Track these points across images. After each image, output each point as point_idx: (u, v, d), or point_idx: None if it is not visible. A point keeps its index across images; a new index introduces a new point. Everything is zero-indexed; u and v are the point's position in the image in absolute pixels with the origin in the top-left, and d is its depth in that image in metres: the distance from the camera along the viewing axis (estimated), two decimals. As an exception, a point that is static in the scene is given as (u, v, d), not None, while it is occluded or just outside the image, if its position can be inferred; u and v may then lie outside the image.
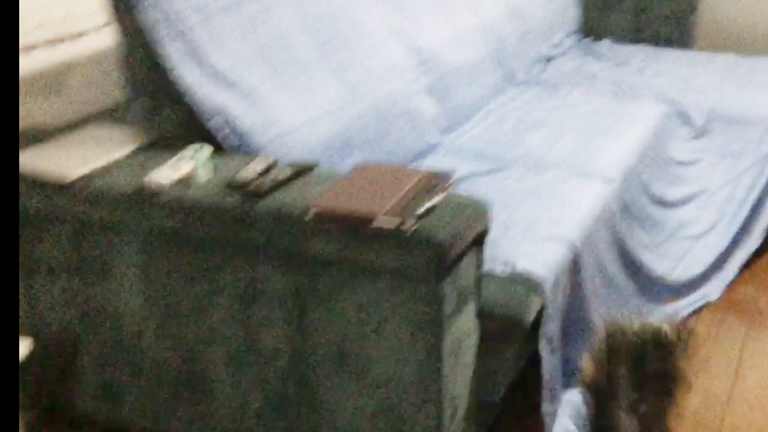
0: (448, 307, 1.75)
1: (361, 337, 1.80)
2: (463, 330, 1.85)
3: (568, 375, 2.35)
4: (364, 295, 1.77)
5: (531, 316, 1.97)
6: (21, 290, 2.05)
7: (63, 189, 1.93)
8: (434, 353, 1.77)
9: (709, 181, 2.98)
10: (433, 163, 2.54)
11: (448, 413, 1.84)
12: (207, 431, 2.00)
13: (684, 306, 2.72)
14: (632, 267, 2.57)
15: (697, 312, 2.73)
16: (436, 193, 1.80)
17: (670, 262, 2.74)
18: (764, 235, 2.99)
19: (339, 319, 1.80)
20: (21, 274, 2.05)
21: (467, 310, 1.85)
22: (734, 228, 2.93)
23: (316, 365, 1.85)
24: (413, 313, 1.74)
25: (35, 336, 2.05)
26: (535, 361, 2.13)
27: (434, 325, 1.75)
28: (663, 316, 2.64)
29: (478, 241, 1.85)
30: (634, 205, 2.63)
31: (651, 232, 2.71)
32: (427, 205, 1.75)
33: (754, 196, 2.97)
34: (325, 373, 1.85)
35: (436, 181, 1.85)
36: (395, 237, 1.69)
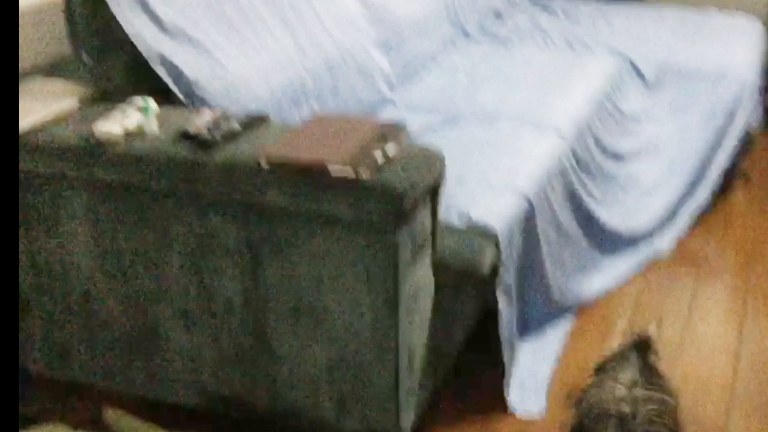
0: (404, 257, 1.74)
1: (317, 287, 1.78)
2: (420, 281, 1.84)
3: (524, 327, 2.37)
4: (320, 245, 1.75)
5: (487, 267, 1.97)
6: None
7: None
8: (391, 303, 1.76)
9: (660, 135, 3.01)
10: (386, 117, 2.52)
11: (405, 364, 1.84)
12: (162, 387, 1.97)
13: (636, 259, 2.75)
14: (586, 220, 2.59)
15: (648, 264, 2.77)
16: (391, 143, 1.78)
17: (623, 215, 2.77)
18: (713, 187, 3.03)
19: (294, 270, 1.78)
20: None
21: (423, 260, 1.85)
22: (684, 181, 2.96)
23: (272, 317, 1.83)
24: (369, 263, 1.73)
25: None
26: (492, 315, 2.14)
27: (390, 275, 1.74)
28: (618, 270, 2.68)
29: (433, 190, 1.84)
30: (587, 158, 2.64)
31: (604, 186, 2.73)
32: (383, 153, 1.73)
33: (703, 149, 3.00)
34: (281, 325, 1.84)
35: (390, 132, 1.83)
36: (350, 186, 1.67)
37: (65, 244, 1.92)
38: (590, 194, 2.61)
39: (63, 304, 1.99)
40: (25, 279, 2.00)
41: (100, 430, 1.35)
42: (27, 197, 1.92)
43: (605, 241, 2.67)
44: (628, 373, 1.95)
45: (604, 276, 2.64)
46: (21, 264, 1.98)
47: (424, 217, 1.81)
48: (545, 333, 2.40)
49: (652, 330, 2.08)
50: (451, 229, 1.96)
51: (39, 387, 2.07)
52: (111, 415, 1.36)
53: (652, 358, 2.03)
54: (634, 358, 2.01)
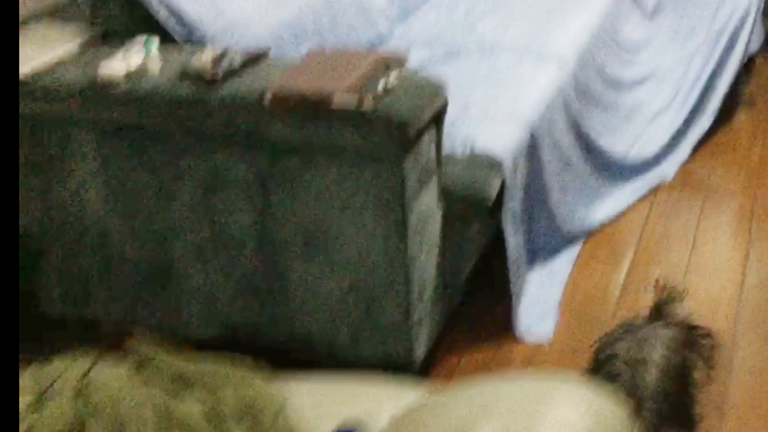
0: (410, 185, 1.77)
1: (327, 219, 1.81)
2: (427, 209, 1.87)
3: (532, 256, 2.40)
4: (327, 177, 1.77)
5: (492, 195, 1.99)
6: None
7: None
8: (399, 232, 1.79)
9: (662, 62, 3.01)
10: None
11: (415, 292, 1.87)
12: (179, 321, 2.01)
13: (641, 185, 2.77)
14: (590, 148, 2.60)
15: (653, 191, 2.79)
16: (392, 74, 1.79)
17: (627, 142, 2.78)
18: (717, 113, 3.03)
19: (303, 202, 1.81)
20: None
21: (430, 189, 1.87)
22: (688, 107, 2.97)
23: (283, 250, 1.86)
24: (377, 192, 1.75)
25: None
26: (500, 245, 2.17)
27: (398, 204, 1.76)
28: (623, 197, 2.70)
29: (437, 119, 1.85)
30: (589, 87, 2.65)
31: (606, 114, 2.73)
32: (385, 84, 1.74)
33: (706, 75, 3.00)
34: (292, 258, 1.87)
35: (391, 62, 1.84)
36: (354, 116, 1.69)
37: (77, 185, 1.95)
38: (593, 123, 2.62)
39: (78, 245, 2.03)
40: (40, 222, 2.03)
41: (121, 358, 1.40)
42: (36, 141, 1.95)
43: (610, 169, 2.69)
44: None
45: (610, 203, 2.66)
46: (34, 208, 2.01)
47: (428, 146, 1.83)
48: (553, 261, 2.43)
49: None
50: (455, 160, 1.98)
51: (58, 329, 2.11)
52: (133, 342, 1.39)
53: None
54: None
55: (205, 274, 1.95)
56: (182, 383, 1.37)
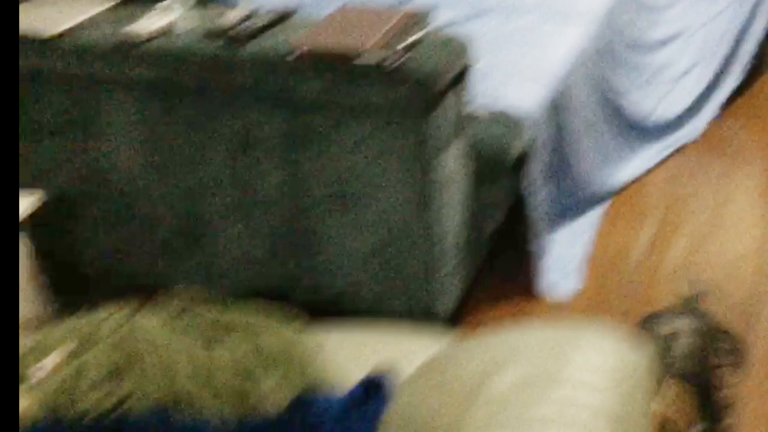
0: (435, 142, 1.79)
1: (353, 177, 1.84)
2: (452, 166, 1.89)
3: (554, 215, 2.41)
4: (354, 134, 1.80)
5: (516, 153, 2.01)
6: (20, 151, 2.07)
7: (49, 46, 1.93)
8: (425, 188, 1.82)
9: (687, 22, 2.98)
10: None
11: (440, 248, 1.90)
12: (211, 280, 2.06)
13: (665, 146, 2.77)
14: (614, 109, 2.61)
15: (678, 151, 2.79)
16: (417, 32, 1.81)
17: (651, 104, 2.78)
18: (743, 74, 3.02)
19: (330, 160, 1.84)
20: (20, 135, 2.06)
21: (454, 146, 1.89)
22: (713, 68, 2.95)
23: (311, 207, 1.90)
24: (402, 148, 1.78)
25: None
26: (524, 204, 2.19)
27: (423, 160, 1.79)
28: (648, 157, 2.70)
29: (461, 77, 1.87)
30: (614, 48, 2.64)
31: (631, 76, 2.73)
32: (410, 40, 1.76)
33: (732, 36, 2.98)
34: (320, 215, 1.90)
35: (416, 20, 1.86)
36: (380, 73, 1.71)
37: (111, 144, 2.00)
38: (618, 83, 2.63)
39: (113, 204, 2.08)
40: (77, 181, 2.08)
41: (159, 308, 1.45)
42: (68, 101, 1.99)
43: (634, 129, 2.69)
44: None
45: (635, 163, 2.67)
46: (71, 167, 2.06)
47: (453, 103, 1.85)
48: (578, 221, 2.45)
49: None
50: (480, 118, 2.00)
51: (97, 286, 2.16)
52: (170, 293, 1.44)
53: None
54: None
55: (236, 232, 1.99)
56: (218, 330, 1.41)
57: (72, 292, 2.05)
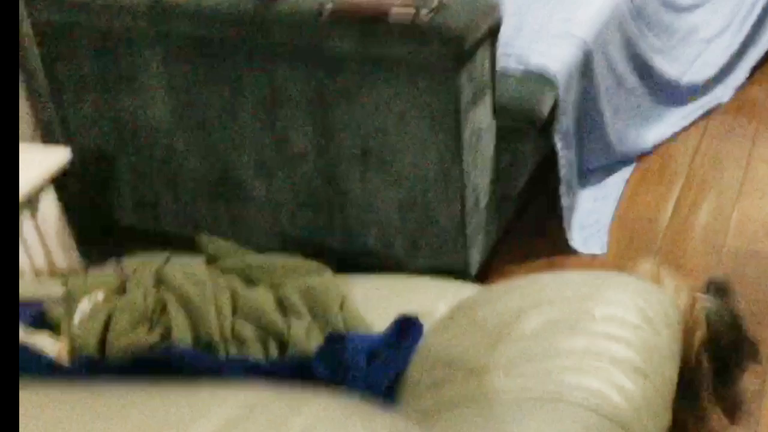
0: (465, 98, 1.82)
1: (384, 132, 1.87)
2: (481, 123, 1.92)
3: (585, 175, 2.44)
4: (384, 91, 1.83)
5: (545, 111, 2.03)
6: (53, 107, 2.12)
7: (87, 1, 1.97)
8: (454, 144, 1.85)
9: (720, -17, 2.97)
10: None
11: (470, 203, 1.93)
12: (244, 233, 2.11)
13: (695, 108, 2.78)
14: (644, 70, 2.61)
15: (708, 114, 2.79)
16: (449, -12, 1.83)
17: (682, 65, 2.78)
18: (775, 37, 3.01)
19: (361, 116, 1.87)
20: (52, 91, 2.12)
21: (484, 103, 1.92)
22: (745, 30, 2.94)
23: (342, 163, 1.94)
24: (432, 105, 1.81)
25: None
26: (553, 162, 2.21)
27: (453, 116, 1.82)
28: (678, 119, 2.71)
29: (491, 34, 1.89)
30: (645, 9, 2.64)
31: (662, 37, 2.73)
32: (440, -2, 1.79)
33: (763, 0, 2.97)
34: (351, 171, 1.94)
35: (447, -22, 1.88)
36: (410, 29, 1.74)
37: (145, 100, 2.04)
38: (649, 44, 2.63)
39: (148, 159, 2.13)
40: (111, 136, 2.13)
41: (194, 255, 1.50)
42: (105, 56, 2.04)
43: (664, 91, 2.70)
44: None
45: (664, 125, 2.68)
46: (106, 122, 2.11)
47: (483, 60, 1.88)
48: (605, 181, 2.47)
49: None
50: (509, 76, 2.02)
51: (133, 239, 2.23)
52: (203, 238, 1.49)
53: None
54: None
55: (268, 187, 2.04)
56: (251, 275, 1.47)
57: (103, 246, 2.12)
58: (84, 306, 1.42)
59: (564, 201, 2.22)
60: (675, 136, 2.68)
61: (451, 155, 1.86)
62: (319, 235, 2.06)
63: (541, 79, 2.04)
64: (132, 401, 0.74)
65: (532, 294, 1.25)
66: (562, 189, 2.21)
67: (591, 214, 2.35)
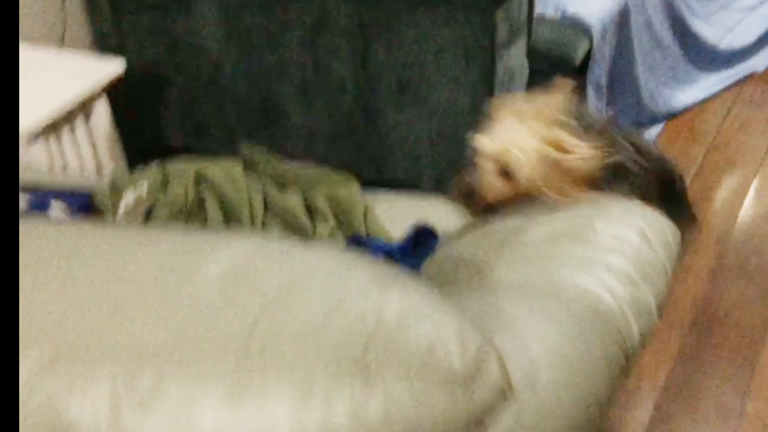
0: (500, 37, 1.90)
1: (420, 66, 1.96)
2: (515, 63, 2.00)
3: (613, 129, 2.51)
4: (422, 24, 1.91)
5: (578, 57, 2.10)
6: (111, 22, 2.22)
7: None
8: (487, 82, 1.93)
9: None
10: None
11: (497, 142, 2.02)
12: (282, 157, 2.21)
13: (730, 75, 2.82)
14: (682, 32, 2.66)
15: (741, 81, 2.83)
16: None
17: (721, 31, 2.82)
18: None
19: (399, 49, 1.96)
20: (112, 5, 2.22)
21: (519, 44, 2.00)
22: (788, 2, 2.97)
23: (379, 94, 2.03)
24: (468, 41, 1.89)
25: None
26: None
27: (488, 54, 1.90)
28: (711, 84, 2.76)
29: (531, -22, 1.97)
30: (688, -28, 2.69)
31: (703, 1, 2.77)
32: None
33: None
34: (387, 102, 2.04)
35: None
36: (453, -34, 1.82)
37: (198, 22, 2.14)
38: (689, 8, 2.67)
39: (196, 81, 2.23)
40: (163, 59, 2.24)
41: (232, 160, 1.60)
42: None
43: (701, 55, 2.75)
44: None
45: (697, 88, 2.73)
46: (158, 45, 2.22)
47: (521, 1, 1.95)
48: (634, 136, 2.53)
49: None
50: (546, 20, 2.09)
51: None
52: (246, 146, 1.60)
53: None
54: None
55: (307, 113, 2.14)
56: (283, 181, 1.57)
57: (148, 162, 2.22)
58: (128, 197, 1.54)
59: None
60: (707, 100, 2.73)
61: (484, 91, 1.95)
62: (351, 163, 2.15)
63: (576, 28, 2.11)
64: (145, 237, 0.84)
65: (539, 212, 1.34)
66: (590, 138, 2.27)
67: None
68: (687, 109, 2.68)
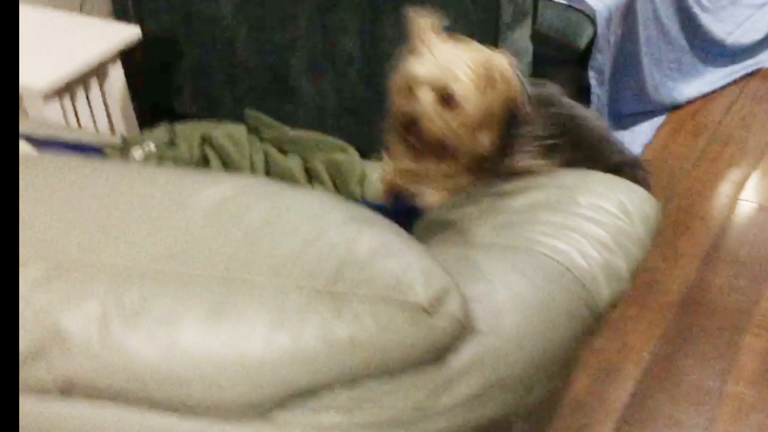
0: (505, 18, 1.95)
1: (426, 44, 2.01)
2: (519, 45, 2.05)
3: (617, 118, 2.55)
4: (430, 3, 1.96)
5: (582, 43, 2.15)
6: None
7: None
8: (490, 62, 1.99)
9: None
10: None
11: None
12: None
13: (736, 70, 2.86)
14: (690, 25, 2.70)
15: (747, 77, 2.87)
16: None
17: (729, 26, 2.85)
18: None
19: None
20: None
21: (523, 27, 2.05)
22: (797, 1, 3.00)
23: (387, 71, 2.08)
24: (473, 20, 1.95)
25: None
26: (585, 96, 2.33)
27: (491, 34, 1.95)
28: (716, 78, 2.80)
29: (538, -38, 2.02)
30: (698, -34, 2.72)
31: (713, -5, 2.81)
32: None
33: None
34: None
35: None
36: (460, -53, 1.88)
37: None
38: (699, 2, 2.71)
39: (210, 52, 2.30)
40: (179, 27, 2.30)
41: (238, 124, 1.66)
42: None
43: (708, 49, 2.78)
44: None
45: (702, 81, 2.77)
46: (175, 14, 2.28)
47: (526, -14, 2.00)
48: (636, 126, 2.58)
49: None
50: (551, 5, 2.15)
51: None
52: (250, 112, 1.65)
53: None
54: None
55: (317, 87, 2.20)
56: (284, 145, 1.63)
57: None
58: (138, 154, 1.61)
59: (591, 136, 2.34)
60: (711, 94, 2.77)
61: (486, 73, 2.00)
62: (357, 139, 2.21)
63: (581, 14, 2.16)
64: (144, 172, 0.90)
65: (527, 180, 1.39)
66: (591, 124, 2.32)
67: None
68: (691, 102, 2.73)
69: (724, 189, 2.42)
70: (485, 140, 1.20)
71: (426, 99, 1.16)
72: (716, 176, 2.46)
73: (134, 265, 0.79)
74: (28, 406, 0.83)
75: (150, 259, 0.79)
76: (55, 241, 0.81)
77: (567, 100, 1.35)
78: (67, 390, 0.81)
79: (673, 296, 2.06)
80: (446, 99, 1.14)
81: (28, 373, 0.80)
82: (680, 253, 2.19)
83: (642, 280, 2.08)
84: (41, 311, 0.78)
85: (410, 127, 1.20)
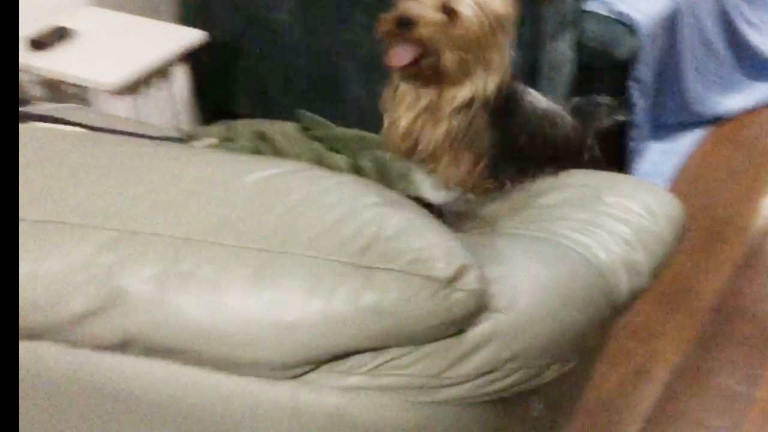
0: (548, 28, 2.03)
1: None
2: (561, 56, 2.12)
3: (658, 129, 2.60)
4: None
5: (624, 54, 2.21)
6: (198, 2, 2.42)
7: None
8: (534, 71, 2.06)
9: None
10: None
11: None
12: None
13: (782, 86, 2.88)
14: (734, 39, 2.73)
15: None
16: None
17: (776, 42, 2.88)
18: None
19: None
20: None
21: (566, 37, 2.12)
22: None
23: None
24: (518, 32, 2.02)
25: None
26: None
27: (534, 45, 2.03)
28: (760, 94, 2.82)
29: (582, -26, 2.09)
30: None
31: (759, 12, 2.83)
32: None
33: None
34: (438, 83, 2.17)
35: None
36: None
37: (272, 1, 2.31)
38: (743, 17, 2.74)
39: (266, 55, 2.41)
40: (238, 31, 2.42)
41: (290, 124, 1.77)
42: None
43: (753, 64, 2.81)
44: None
45: (745, 96, 2.80)
46: (235, 18, 2.40)
47: (570, -3, 2.08)
48: (677, 137, 2.63)
49: None
50: (596, 17, 2.21)
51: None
52: (302, 112, 1.76)
53: None
54: None
55: (366, 89, 2.30)
56: (334, 144, 1.74)
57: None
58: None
59: (634, 145, 2.39)
60: (755, 109, 2.80)
61: (530, 79, 2.07)
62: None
63: (624, 26, 2.22)
64: (200, 154, 1.00)
65: (555, 180, 1.47)
66: (634, 133, 2.38)
67: (657, 164, 2.51)
68: (733, 116, 2.76)
69: (763, 202, 2.45)
70: (478, 80, 1.29)
71: (428, 2, 1.22)
72: (755, 190, 2.50)
73: (188, 234, 0.89)
74: (86, 358, 0.94)
75: (202, 230, 0.89)
76: (121, 212, 0.91)
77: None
78: (124, 345, 0.91)
79: (706, 302, 2.10)
80: (447, 12, 1.21)
81: (90, 327, 0.90)
82: (714, 261, 2.23)
83: (675, 285, 2.13)
84: (105, 270, 0.88)
85: (404, 27, 1.25)
